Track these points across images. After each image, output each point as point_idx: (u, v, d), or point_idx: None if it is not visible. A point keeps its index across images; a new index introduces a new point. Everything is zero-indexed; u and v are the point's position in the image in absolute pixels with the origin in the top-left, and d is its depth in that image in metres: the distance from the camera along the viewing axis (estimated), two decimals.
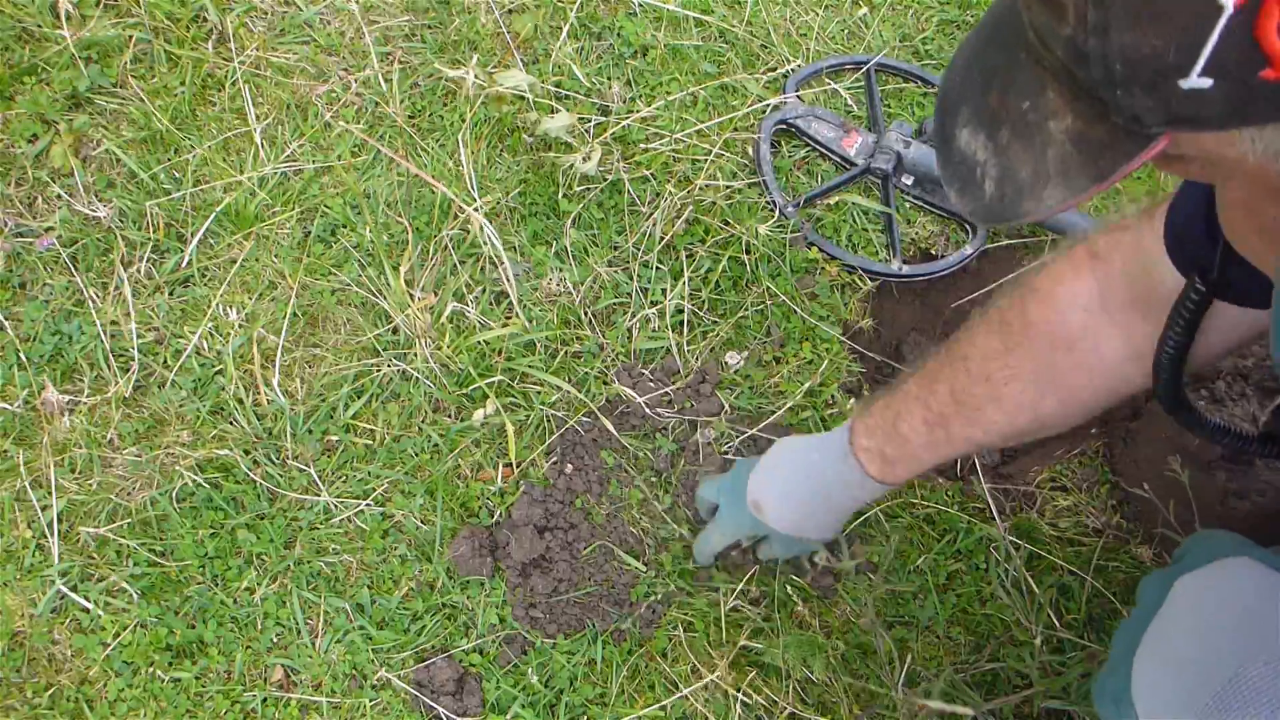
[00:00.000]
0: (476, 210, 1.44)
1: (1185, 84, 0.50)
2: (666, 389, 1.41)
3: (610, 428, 1.36)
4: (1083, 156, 0.59)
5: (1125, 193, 1.71)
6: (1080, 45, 0.52)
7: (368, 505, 1.33)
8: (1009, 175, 0.63)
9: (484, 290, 1.44)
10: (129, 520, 1.31)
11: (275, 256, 1.47)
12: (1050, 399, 1.02)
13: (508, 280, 1.40)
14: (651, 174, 1.54)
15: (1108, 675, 0.90)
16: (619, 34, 1.65)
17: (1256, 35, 0.46)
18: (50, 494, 1.31)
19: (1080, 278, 0.99)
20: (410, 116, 1.57)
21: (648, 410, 1.38)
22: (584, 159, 1.47)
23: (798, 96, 1.66)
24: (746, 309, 1.48)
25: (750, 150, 1.61)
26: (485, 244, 1.38)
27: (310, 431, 1.36)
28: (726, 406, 1.41)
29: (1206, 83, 0.49)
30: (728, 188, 1.55)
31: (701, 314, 1.47)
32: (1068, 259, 1.01)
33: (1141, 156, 0.56)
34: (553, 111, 1.53)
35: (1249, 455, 0.89)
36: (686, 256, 1.50)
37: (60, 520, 1.31)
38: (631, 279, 1.48)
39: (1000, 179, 0.63)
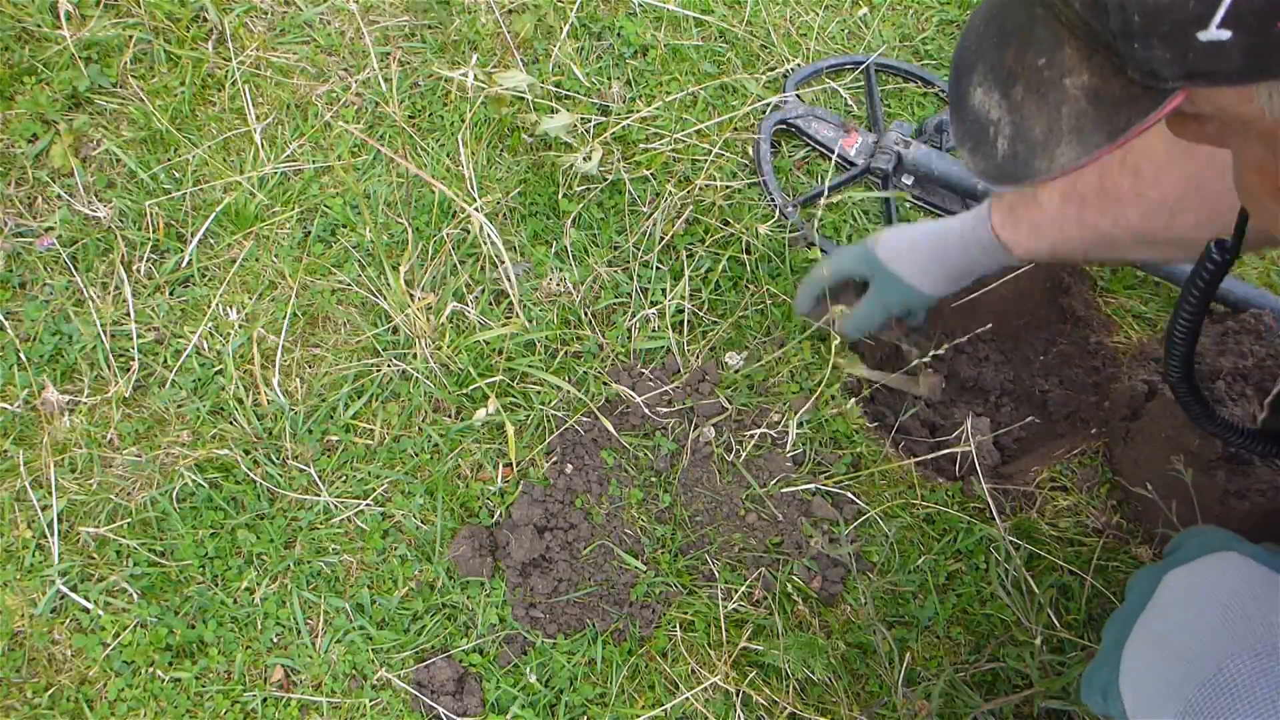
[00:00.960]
0: (477, 210, 1.44)
1: (1204, 35, 0.49)
2: (666, 389, 1.41)
3: (610, 428, 1.36)
4: (1098, 113, 0.58)
5: None
6: None
7: (368, 505, 1.33)
8: (1022, 133, 0.63)
9: (484, 290, 1.44)
10: (129, 520, 1.31)
11: (275, 256, 1.47)
12: (1191, 214, 1.01)
13: (508, 280, 1.40)
14: (651, 174, 1.54)
15: (1096, 666, 0.90)
16: (619, 34, 1.65)
17: None
18: (50, 494, 1.31)
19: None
20: (410, 116, 1.57)
21: (647, 410, 1.38)
22: (584, 159, 1.47)
23: (798, 96, 1.66)
24: (746, 309, 1.48)
25: (750, 150, 1.61)
26: (485, 244, 1.38)
27: (310, 431, 1.36)
28: (727, 407, 1.41)
29: (1225, 34, 0.49)
30: (728, 188, 1.55)
31: (701, 314, 1.47)
32: None
33: (1157, 113, 0.56)
34: (552, 112, 1.53)
35: (1249, 452, 0.89)
36: (686, 256, 1.50)
37: (60, 520, 1.31)
38: (631, 279, 1.48)
39: (1013, 137, 0.63)
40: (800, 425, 1.42)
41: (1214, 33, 0.49)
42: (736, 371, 1.43)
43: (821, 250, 1.54)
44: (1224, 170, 0.90)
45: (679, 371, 1.43)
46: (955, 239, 1.17)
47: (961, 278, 1.20)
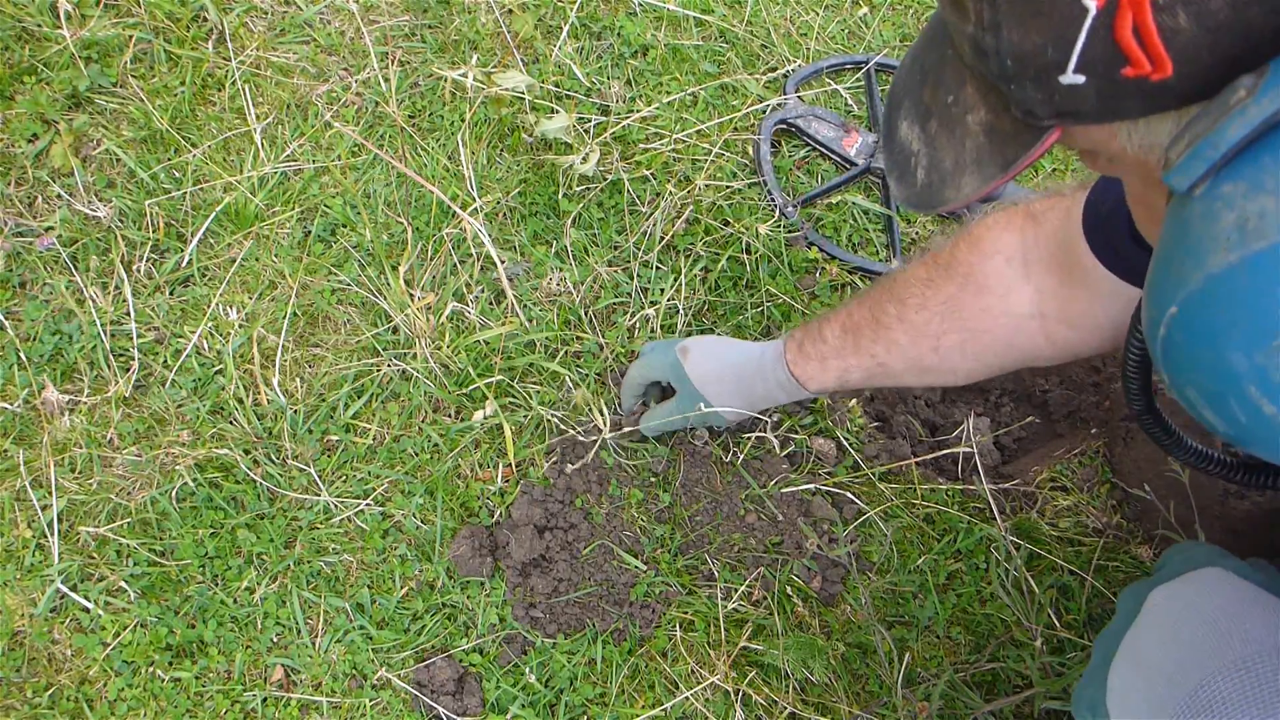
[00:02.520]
0: (477, 210, 1.44)
1: (1064, 79, 0.54)
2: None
3: (608, 434, 1.36)
4: (992, 146, 0.64)
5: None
6: (980, 41, 0.57)
7: (368, 505, 1.33)
8: (935, 164, 0.68)
9: (484, 290, 1.44)
10: (129, 520, 1.31)
11: (275, 256, 1.47)
12: (952, 335, 1.08)
13: (505, 282, 1.40)
14: (651, 174, 1.54)
15: (1085, 684, 0.91)
16: (619, 34, 1.65)
17: (1115, 36, 0.50)
18: (50, 494, 1.31)
19: (1010, 231, 1.05)
20: (410, 116, 1.57)
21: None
22: (582, 160, 1.47)
23: (798, 96, 1.66)
24: (746, 309, 1.48)
25: (750, 150, 1.61)
26: (479, 247, 1.38)
27: (310, 431, 1.36)
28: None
29: (1080, 79, 0.54)
30: (728, 188, 1.55)
31: (701, 314, 1.47)
32: (1006, 213, 1.07)
33: (1039, 148, 0.61)
34: (551, 112, 1.53)
35: (1222, 479, 0.90)
36: (686, 257, 1.50)
37: (60, 520, 1.31)
38: (631, 279, 1.48)
39: (929, 168, 0.69)
40: (797, 431, 1.42)
41: (1071, 77, 0.54)
42: None
43: (821, 250, 1.54)
44: (980, 291, 1.06)
45: None
46: (757, 373, 1.21)
47: (763, 405, 1.25)
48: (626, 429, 1.35)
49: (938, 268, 1.09)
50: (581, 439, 1.36)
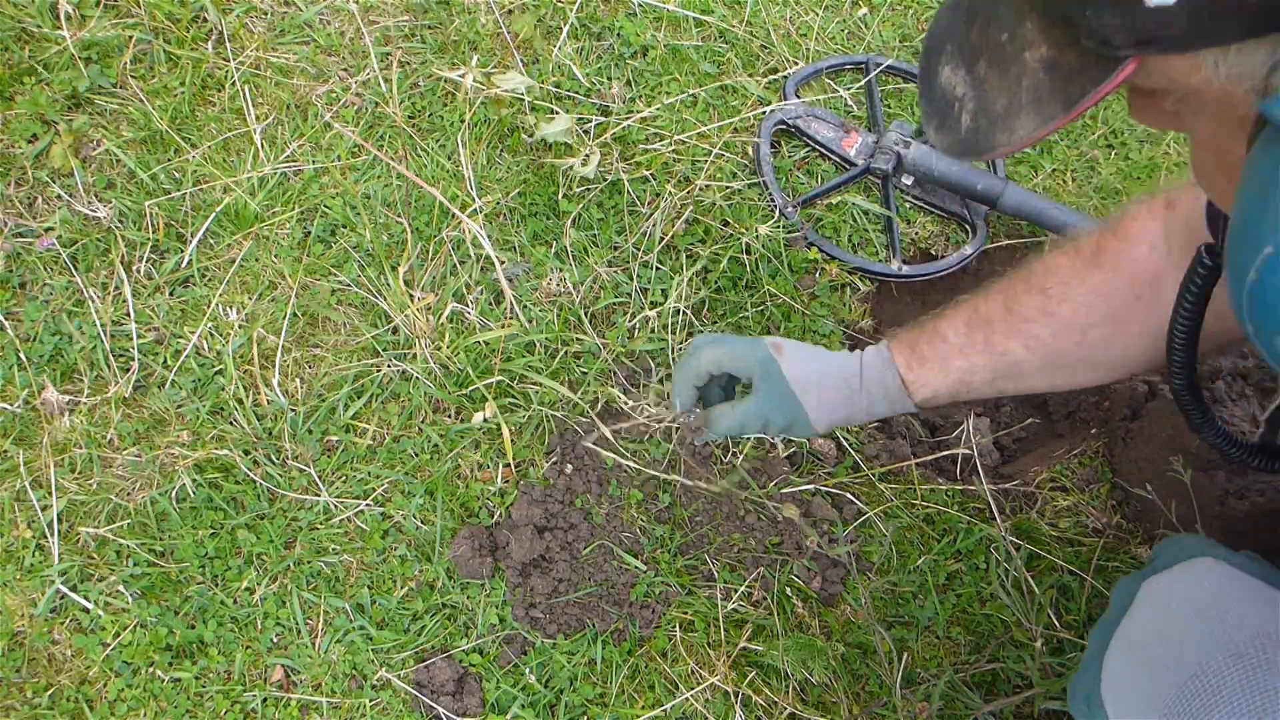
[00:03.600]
0: (477, 211, 1.44)
1: (1151, 1, 0.51)
2: (665, 389, 1.41)
3: (607, 433, 1.36)
4: (1054, 84, 0.61)
5: (1127, 193, 1.71)
6: None
7: (368, 505, 1.33)
8: (984, 107, 0.65)
9: (483, 290, 1.44)
10: (129, 520, 1.31)
11: (275, 256, 1.47)
12: (1100, 328, 1.01)
13: (504, 282, 1.40)
14: (651, 174, 1.54)
15: (1080, 675, 0.91)
16: (619, 34, 1.65)
17: None
18: (50, 494, 1.31)
19: (1154, 218, 1.00)
20: (410, 117, 1.57)
21: (646, 410, 1.38)
22: (582, 162, 1.47)
23: (798, 97, 1.66)
24: (746, 309, 1.48)
25: (750, 150, 1.61)
26: (476, 249, 1.38)
27: (310, 431, 1.36)
28: None
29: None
30: (728, 188, 1.55)
31: (702, 314, 1.47)
32: (1145, 202, 1.02)
33: (1110, 82, 0.58)
34: (551, 114, 1.53)
35: (1245, 465, 0.89)
36: (686, 257, 1.50)
37: (60, 520, 1.31)
38: (631, 279, 1.48)
39: (976, 112, 0.66)
40: None
41: None
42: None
43: (821, 250, 1.54)
44: (1130, 280, 0.99)
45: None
46: (856, 379, 1.10)
47: (860, 419, 1.14)
48: (687, 426, 1.18)
49: (1081, 257, 1.02)
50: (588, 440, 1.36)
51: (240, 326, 1.42)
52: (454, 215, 1.47)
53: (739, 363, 1.13)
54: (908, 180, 1.62)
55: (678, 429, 1.19)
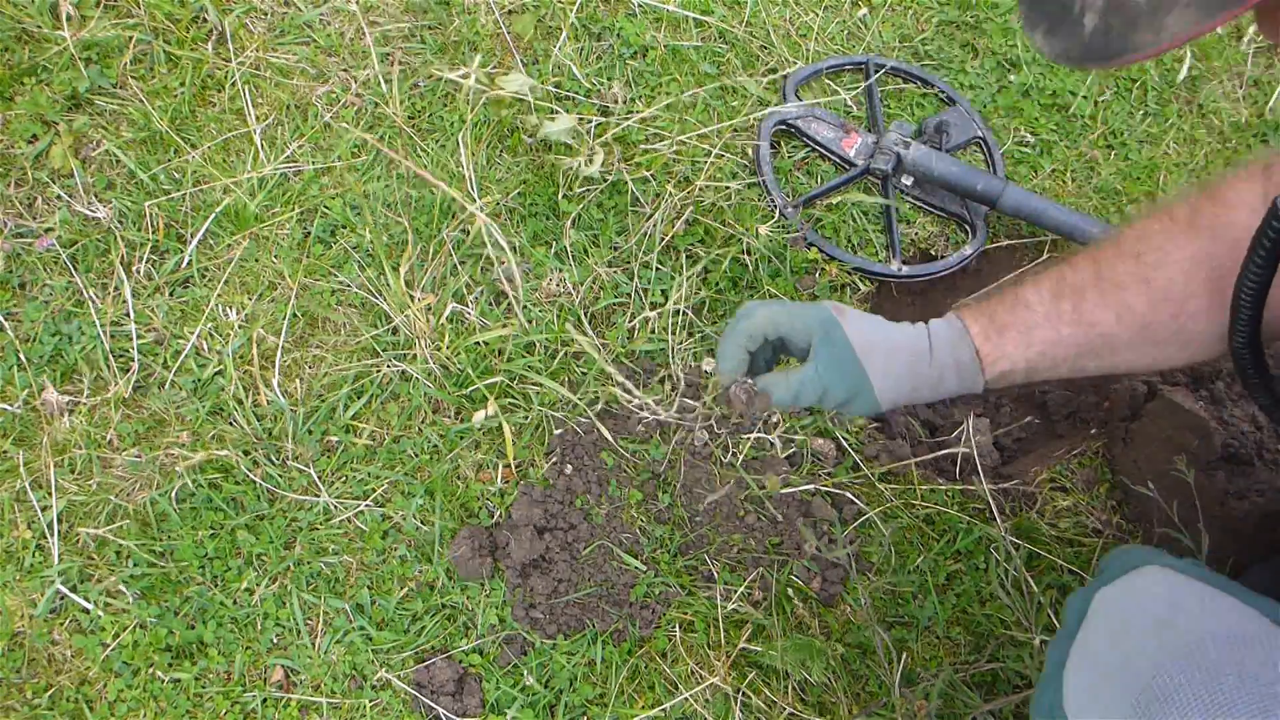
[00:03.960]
0: (481, 209, 1.44)
1: None
2: (665, 389, 1.41)
3: (606, 433, 1.36)
4: None
5: (1126, 193, 1.71)
6: None
7: (367, 506, 1.33)
8: (1120, 4, 0.57)
9: (484, 291, 1.44)
10: (129, 521, 1.31)
11: (275, 257, 1.47)
12: (1199, 299, 0.93)
13: (507, 282, 1.40)
14: (652, 175, 1.54)
15: (1042, 690, 0.90)
16: (619, 34, 1.65)
17: None
18: (50, 494, 1.31)
19: (1251, 182, 0.94)
20: (410, 117, 1.57)
21: (646, 411, 1.38)
22: (585, 162, 1.47)
23: (798, 97, 1.66)
24: None
25: (750, 151, 1.61)
26: (489, 244, 1.38)
27: (310, 432, 1.36)
28: (714, 410, 1.41)
29: None
30: (728, 188, 1.55)
31: (702, 315, 1.47)
32: (1242, 167, 0.97)
33: None
34: (552, 113, 1.53)
35: None
36: (686, 257, 1.50)
37: (60, 521, 1.31)
38: (631, 279, 1.48)
39: (1107, 9, 0.58)
40: (797, 431, 1.42)
41: None
42: (711, 374, 1.42)
43: (821, 251, 1.54)
44: (1231, 247, 0.90)
45: (678, 372, 1.43)
46: (925, 349, 1.00)
47: (925, 395, 1.02)
48: (736, 398, 1.03)
49: (1176, 222, 0.95)
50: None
51: (240, 327, 1.42)
52: (455, 215, 1.47)
53: (797, 323, 1.01)
54: (907, 180, 1.62)
55: (721, 402, 1.05)
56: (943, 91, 1.73)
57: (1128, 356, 0.99)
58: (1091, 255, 0.97)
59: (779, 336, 1.03)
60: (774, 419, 1.40)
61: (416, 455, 1.36)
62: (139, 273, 1.44)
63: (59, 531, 1.30)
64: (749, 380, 1.02)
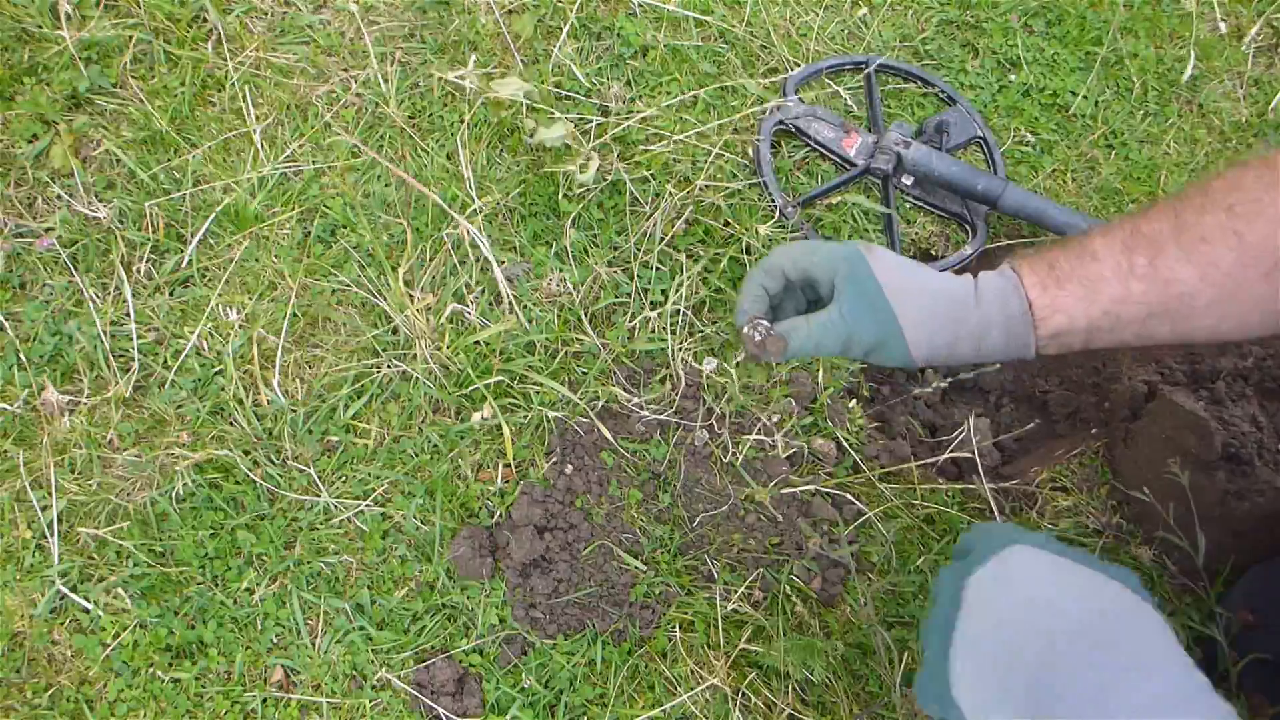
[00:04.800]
0: (476, 211, 1.44)
1: None
2: (665, 390, 1.41)
3: (606, 433, 1.36)
4: None
5: (1127, 193, 1.71)
6: None
7: (368, 506, 1.33)
8: None
9: (484, 291, 1.44)
10: (129, 521, 1.31)
11: (275, 257, 1.47)
12: None
13: (503, 282, 1.40)
14: (651, 174, 1.54)
15: (926, 679, 0.86)
16: (619, 34, 1.65)
17: None
18: (50, 494, 1.31)
19: None
20: (410, 117, 1.57)
21: (646, 412, 1.38)
22: (580, 169, 1.47)
23: (798, 97, 1.66)
24: None
25: (750, 151, 1.61)
26: (475, 250, 1.38)
27: (310, 432, 1.36)
28: (716, 409, 1.41)
29: None
30: (728, 188, 1.55)
31: (702, 315, 1.47)
32: None
33: None
34: (550, 117, 1.53)
35: None
36: (687, 257, 1.50)
37: (60, 521, 1.31)
38: (631, 279, 1.48)
39: None
40: (797, 434, 1.42)
41: None
42: (710, 374, 1.42)
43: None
44: None
45: (679, 372, 1.43)
46: (969, 295, 0.90)
47: (965, 348, 0.91)
48: (752, 341, 0.94)
49: (1274, 172, 0.85)
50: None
51: (240, 327, 1.42)
52: (452, 216, 1.47)
53: (819, 259, 0.92)
54: (908, 180, 1.62)
55: (742, 348, 0.96)
56: (943, 91, 1.72)
57: (1205, 322, 0.88)
58: (1172, 206, 0.87)
59: (803, 277, 0.94)
60: (775, 418, 1.40)
61: (417, 455, 1.36)
62: (139, 272, 1.44)
63: (59, 531, 1.30)
64: (764, 321, 0.94)
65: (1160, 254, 0.85)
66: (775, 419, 1.40)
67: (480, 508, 1.34)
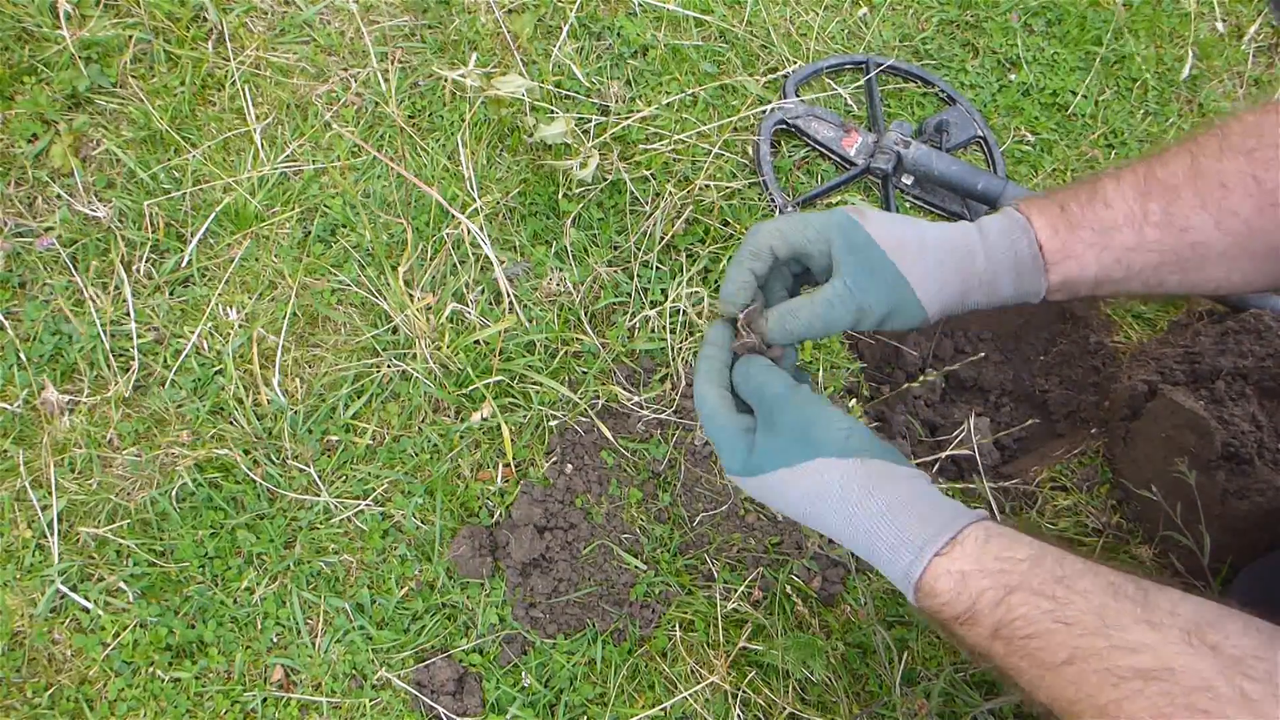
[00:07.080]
0: (477, 211, 1.44)
1: None
2: (665, 389, 1.41)
3: (606, 433, 1.36)
4: None
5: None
6: None
7: (367, 505, 1.33)
8: None
9: (484, 290, 1.44)
10: (129, 520, 1.31)
11: (275, 256, 1.47)
12: None
13: (503, 282, 1.40)
14: (651, 174, 1.54)
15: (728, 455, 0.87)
16: (619, 34, 1.65)
17: None
18: (50, 494, 1.31)
19: None
20: (410, 116, 1.57)
21: (646, 411, 1.38)
22: (580, 165, 1.47)
23: (798, 97, 1.66)
24: None
25: (750, 150, 1.61)
26: (477, 248, 1.38)
27: (310, 431, 1.36)
28: None
29: None
30: (728, 188, 1.55)
31: (702, 314, 1.47)
32: None
33: None
34: (551, 115, 1.53)
35: None
36: (686, 257, 1.50)
37: (60, 520, 1.31)
38: (631, 279, 1.48)
39: None
40: None
41: None
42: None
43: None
44: None
45: (679, 372, 1.43)
46: (974, 240, 0.85)
47: (977, 296, 0.86)
48: (746, 327, 0.87)
49: None
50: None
51: (240, 326, 1.42)
52: (454, 215, 1.47)
53: (809, 232, 0.85)
54: (908, 180, 1.62)
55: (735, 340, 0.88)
56: (943, 91, 1.72)
57: (1217, 272, 0.84)
58: (1188, 149, 0.83)
59: (792, 254, 0.87)
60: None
61: (416, 455, 1.36)
62: (139, 272, 1.44)
63: (59, 531, 1.30)
64: (757, 306, 0.87)
65: (1176, 200, 0.82)
66: None
67: (480, 507, 1.34)
